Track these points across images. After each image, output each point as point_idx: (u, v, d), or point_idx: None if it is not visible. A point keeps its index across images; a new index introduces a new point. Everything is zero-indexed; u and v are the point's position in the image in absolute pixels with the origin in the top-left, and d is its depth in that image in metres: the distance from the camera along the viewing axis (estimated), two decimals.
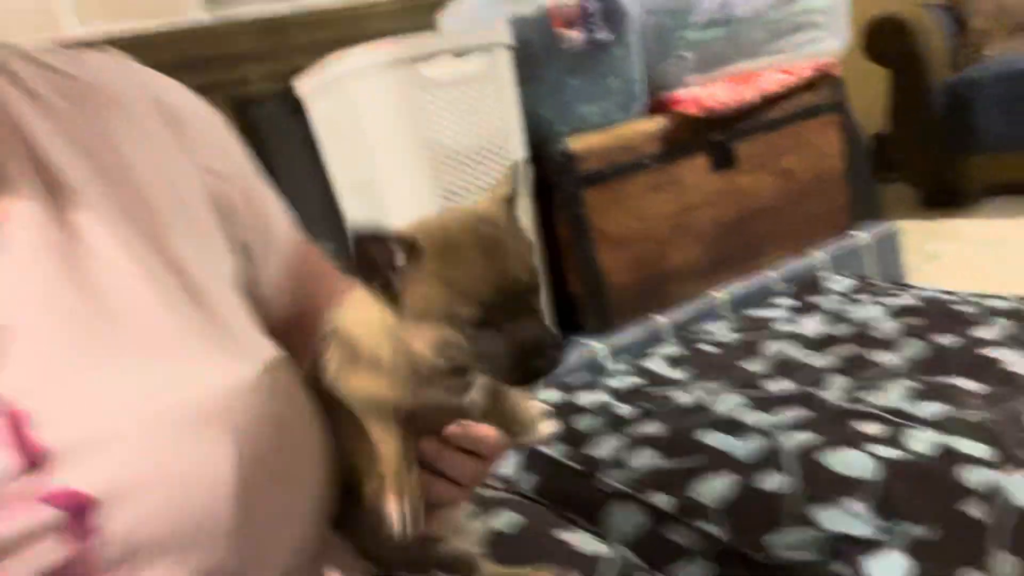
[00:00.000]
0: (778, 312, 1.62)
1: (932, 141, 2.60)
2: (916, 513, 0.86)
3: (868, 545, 0.82)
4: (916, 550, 0.82)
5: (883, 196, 3.02)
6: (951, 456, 0.95)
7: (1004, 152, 2.44)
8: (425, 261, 0.49)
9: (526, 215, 1.68)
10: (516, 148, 1.67)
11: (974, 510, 0.87)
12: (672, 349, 1.55)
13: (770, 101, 1.87)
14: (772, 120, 1.90)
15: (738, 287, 1.80)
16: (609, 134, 1.72)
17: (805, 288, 1.74)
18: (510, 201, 0.57)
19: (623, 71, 1.72)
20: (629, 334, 1.73)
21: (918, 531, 0.84)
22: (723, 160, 1.84)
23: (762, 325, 1.56)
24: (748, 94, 1.82)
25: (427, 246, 0.50)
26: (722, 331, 1.58)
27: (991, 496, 0.89)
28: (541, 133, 1.72)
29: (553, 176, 1.71)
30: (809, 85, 1.94)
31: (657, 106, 1.83)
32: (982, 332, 1.29)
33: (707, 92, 1.80)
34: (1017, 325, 1.28)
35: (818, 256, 1.89)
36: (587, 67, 1.69)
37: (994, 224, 2.33)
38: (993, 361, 1.19)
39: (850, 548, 0.82)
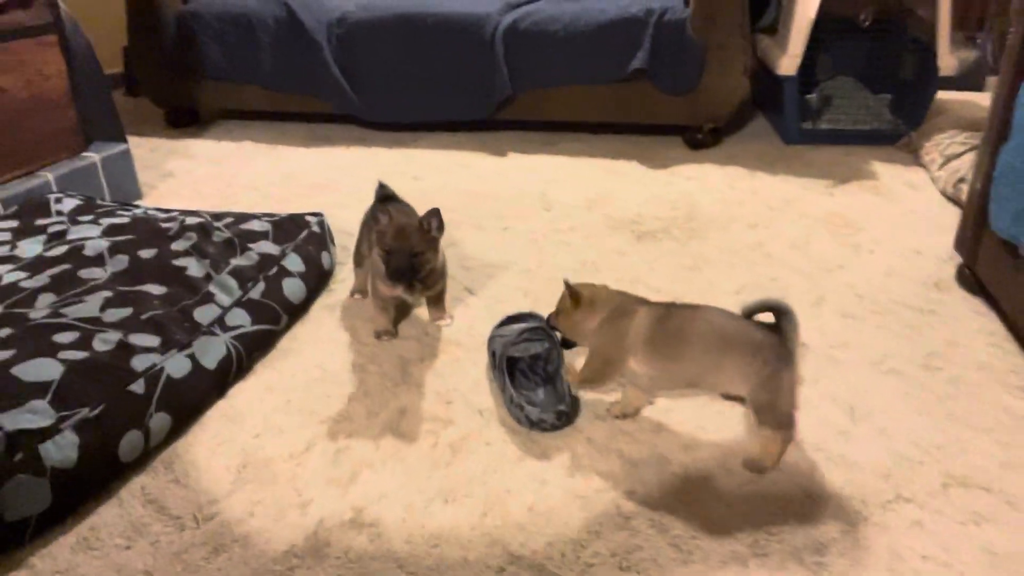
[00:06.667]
0: None
1: (167, 65, 2.84)
2: (87, 398, 1.09)
3: (45, 433, 1.02)
4: (82, 427, 1.05)
5: (138, 108, 3.18)
6: (127, 349, 1.22)
7: (225, 81, 2.85)
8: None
9: None
10: None
11: (137, 387, 1.16)
12: None
13: None
14: None
15: None
16: None
17: (31, 210, 1.78)
18: None
19: None
20: None
21: (85, 412, 1.07)
22: None
23: None
24: None
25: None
26: None
27: (152, 373, 1.19)
28: None
29: None
30: (21, 3, 1.91)
31: None
32: (176, 245, 1.60)
33: None
34: (202, 238, 1.63)
35: (47, 177, 1.93)
36: None
37: (220, 145, 2.74)
38: (180, 268, 1.51)
39: (28, 438, 1.00)
